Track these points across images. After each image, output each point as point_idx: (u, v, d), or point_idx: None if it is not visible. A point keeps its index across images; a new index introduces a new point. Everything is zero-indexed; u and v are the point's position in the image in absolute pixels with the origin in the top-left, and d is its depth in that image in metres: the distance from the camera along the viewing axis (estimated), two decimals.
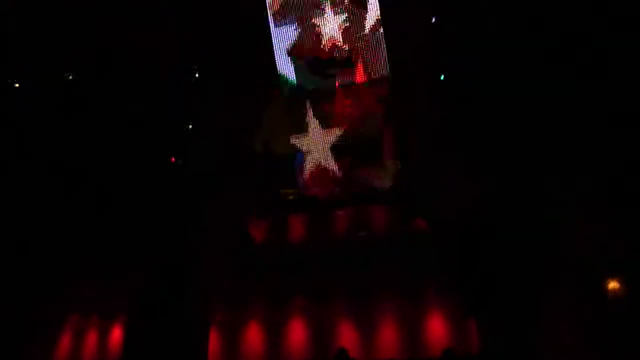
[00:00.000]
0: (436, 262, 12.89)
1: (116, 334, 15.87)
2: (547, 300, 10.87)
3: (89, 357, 16.00)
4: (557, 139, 10.87)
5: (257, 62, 14.68)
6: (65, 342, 16.37)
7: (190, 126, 14.55)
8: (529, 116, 11.18)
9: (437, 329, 13.55)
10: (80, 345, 16.25)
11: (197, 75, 14.03)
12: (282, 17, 14.40)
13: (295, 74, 14.92)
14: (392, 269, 13.75)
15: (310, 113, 14.94)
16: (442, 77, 12.98)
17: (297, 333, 14.46)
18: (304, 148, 15.05)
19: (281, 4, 14.34)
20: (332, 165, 14.91)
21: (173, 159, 14.41)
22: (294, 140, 15.13)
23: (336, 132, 15.01)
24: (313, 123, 15.01)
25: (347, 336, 14.04)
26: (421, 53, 12.75)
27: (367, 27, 14.11)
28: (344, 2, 14.13)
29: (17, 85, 12.95)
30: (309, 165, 15.05)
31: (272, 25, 14.41)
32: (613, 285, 10.46)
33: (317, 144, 15.06)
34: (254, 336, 14.78)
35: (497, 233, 11.58)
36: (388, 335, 13.83)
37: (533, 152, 11.23)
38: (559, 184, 10.89)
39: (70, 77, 13.13)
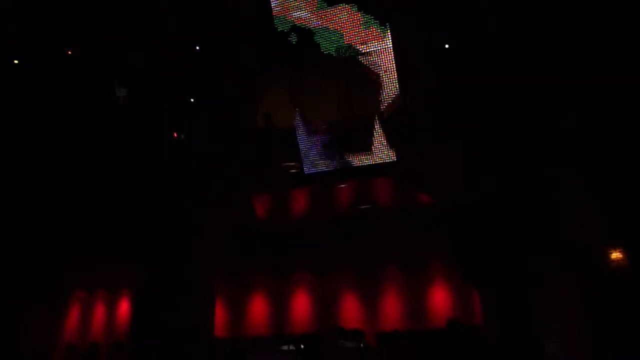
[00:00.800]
0: (439, 235, 12.90)
1: (123, 306, 16.18)
2: (549, 272, 10.93)
3: (97, 328, 16.38)
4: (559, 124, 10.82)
5: (258, 37, 14.42)
6: (73, 315, 16.71)
7: (192, 100, 14.40)
8: (533, 99, 11.09)
9: (440, 300, 13.69)
10: (89, 317, 16.60)
11: (197, 49, 13.78)
12: None
13: None
14: (395, 242, 13.80)
15: None
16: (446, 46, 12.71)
17: (301, 305, 14.66)
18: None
19: None
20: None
21: (175, 135, 14.34)
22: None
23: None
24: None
25: (350, 308, 14.23)
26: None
27: None
28: None
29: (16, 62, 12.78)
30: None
31: None
32: (613, 257, 10.51)
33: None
34: (259, 308, 15.01)
35: (498, 206, 11.57)
36: (392, 307, 14.00)
37: (537, 135, 11.15)
38: (562, 166, 10.87)
39: (69, 54, 12.93)
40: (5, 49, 12.31)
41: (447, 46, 12.36)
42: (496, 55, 11.29)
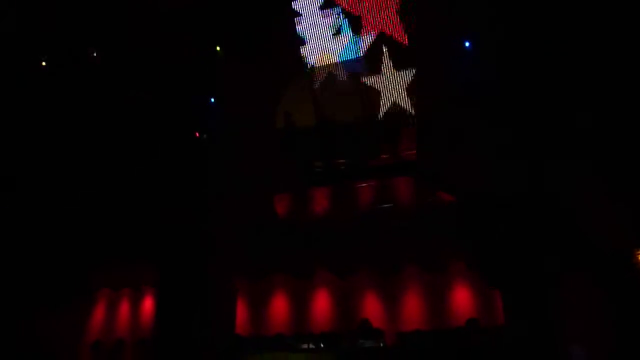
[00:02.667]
0: (460, 234, 12.77)
1: (147, 304, 16.47)
2: (572, 274, 10.73)
3: (122, 325, 16.70)
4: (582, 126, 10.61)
5: (279, 36, 14.55)
6: (99, 313, 17.07)
7: (213, 101, 14.58)
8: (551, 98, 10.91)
9: (461, 301, 13.55)
10: (114, 315, 16.94)
11: (218, 48, 13.94)
12: None
13: None
14: (416, 241, 13.68)
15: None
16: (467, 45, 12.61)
17: (321, 304, 14.68)
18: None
19: None
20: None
21: (197, 134, 14.53)
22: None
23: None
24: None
25: (371, 307, 14.19)
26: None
27: None
28: None
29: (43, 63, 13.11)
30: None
31: None
32: (638, 259, 10.27)
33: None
34: (279, 307, 15.09)
35: (520, 206, 11.40)
36: (412, 307, 13.92)
37: (556, 136, 10.96)
38: (580, 167, 10.67)
39: (85, 55, 13.20)
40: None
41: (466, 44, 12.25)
42: (513, 52, 11.13)
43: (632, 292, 9.83)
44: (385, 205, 14.70)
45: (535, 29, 11.08)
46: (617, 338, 9.67)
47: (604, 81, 10.31)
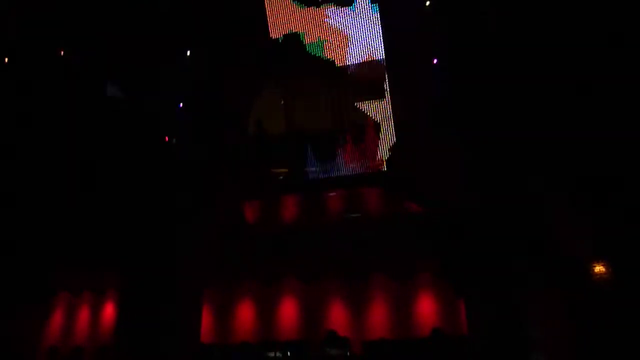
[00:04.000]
0: (426, 244, 13.04)
1: (108, 310, 16.06)
2: (533, 285, 11.13)
3: (81, 331, 16.22)
4: (546, 132, 11.02)
5: (250, 42, 14.51)
6: (57, 317, 16.53)
7: (181, 105, 14.41)
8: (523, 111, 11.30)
9: (426, 309, 13.80)
10: (73, 320, 16.44)
11: (188, 54, 13.79)
12: None
13: None
14: (383, 250, 13.85)
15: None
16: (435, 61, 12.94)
17: (288, 312, 14.67)
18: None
19: None
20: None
21: (167, 138, 14.33)
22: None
23: None
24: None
25: (337, 316, 14.28)
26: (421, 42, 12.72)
27: None
28: None
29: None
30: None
31: None
32: (598, 267, 10.72)
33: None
34: (245, 314, 14.99)
35: (485, 217, 11.76)
36: (378, 315, 14.08)
37: (521, 143, 11.37)
38: (543, 177, 11.10)
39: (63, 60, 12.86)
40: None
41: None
42: (491, 61, 11.46)
43: (592, 302, 10.25)
44: (354, 215, 14.84)
45: (504, 44, 11.47)
46: (579, 347, 10.08)
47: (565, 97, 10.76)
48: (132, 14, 12.35)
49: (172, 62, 13.61)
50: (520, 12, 11.07)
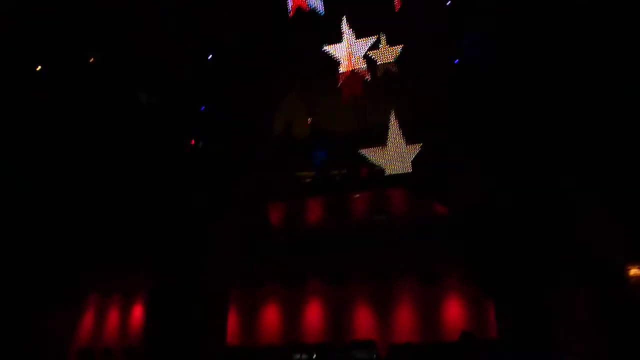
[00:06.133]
0: (453, 246, 12.82)
1: (137, 312, 16.28)
2: (564, 287, 10.82)
3: (111, 333, 16.48)
4: (576, 134, 10.74)
5: (276, 43, 14.54)
6: (88, 318, 16.83)
7: (207, 108, 14.52)
8: (546, 113, 11.05)
9: (454, 313, 13.59)
10: (103, 322, 16.71)
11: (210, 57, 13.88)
12: None
13: None
14: (410, 253, 13.73)
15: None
16: (455, 62, 12.74)
17: (314, 314, 14.63)
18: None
19: None
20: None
21: (193, 142, 14.46)
22: None
23: None
24: None
25: (364, 318, 14.18)
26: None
27: None
28: None
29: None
30: None
31: None
32: (633, 270, 10.38)
33: None
34: (271, 316, 15.00)
35: (514, 217, 11.49)
36: (405, 318, 13.92)
37: (550, 143, 11.10)
38: (575, 177, 10.81)
39: (80, 65, 13.08)
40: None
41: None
42: (512, 64, 11.27)
43: (626, 307, 9.91)
44: (380, 216, 14.72)
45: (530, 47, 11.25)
46: (611, 350, 9.75)
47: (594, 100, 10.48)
48: (152, 15, 12.53)
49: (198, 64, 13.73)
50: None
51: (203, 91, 14.48)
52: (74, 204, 13.83)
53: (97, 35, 12.57)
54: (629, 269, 10.42)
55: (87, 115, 13.18)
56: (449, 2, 12.17)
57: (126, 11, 12.26)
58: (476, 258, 12.14)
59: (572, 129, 10.64)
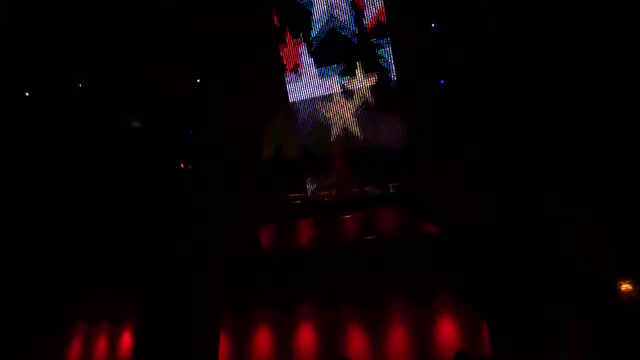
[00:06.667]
0: (446, 266, 12.77)
1: (126, 339, 15.98)
2: (558, 305, 10.78)
3: None
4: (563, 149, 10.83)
5: (264, 65, 14.66)
6: (75, 347, 16.50)
7: (195, 131, 14.55)
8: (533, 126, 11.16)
9: (447, 333, 13.40)
10: (91, 350, 16.38)
11: (198, 80, 13.96)
12: None
13: None
14: (402, 273, 13.63)
15: None
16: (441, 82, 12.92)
17: (305, 338, 14.41)
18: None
19: None
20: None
21: (182, 165, 14.45)
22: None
23: None
24: None
25: (356, 341, 13.95)
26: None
27: None
28: None
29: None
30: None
31: None
32: (624, 289, 10.36)
33: None
34: (262, 341, 14.76)
35: (506, 238, 11.50)
36: (398, 340, 13.72)
37: (538, 159, 11.18)
38: (562, 192, 10.87)
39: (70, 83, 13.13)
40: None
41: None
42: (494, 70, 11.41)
43: (619, 323, 9.87)
44: (370, 237, 14.64)
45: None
46: None
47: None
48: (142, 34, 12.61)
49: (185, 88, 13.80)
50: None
51: (192, 115, 14.54)
52: (58, 228, 13.70)
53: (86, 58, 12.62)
54: (620, 285, 10.41)
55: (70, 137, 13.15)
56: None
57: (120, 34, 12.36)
58: (468, 277, 12.11)
59: (556, 141, 10.73)
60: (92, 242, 14.15)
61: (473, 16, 11.64)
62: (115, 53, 12.65)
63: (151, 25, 12.53)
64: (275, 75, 14.66)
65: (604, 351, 9.81)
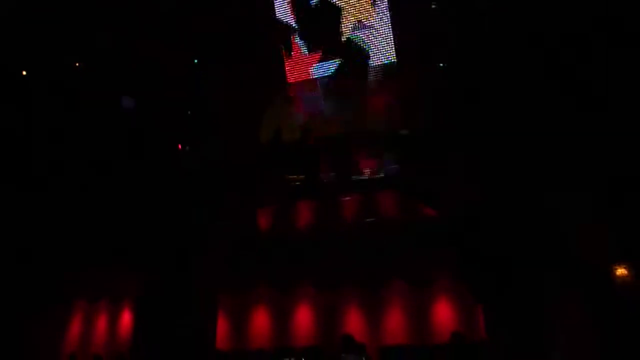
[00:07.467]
0: (445, 249, 12.84)
1: (126, 317, 16.11)
2: (554, 288, 10.88)
3: (99, 340, 16.29)
4: (564, 138, 10.84)
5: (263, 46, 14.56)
6: (75, 326, 16.64)
7: (194, 112, 14.50)
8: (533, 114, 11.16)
9: (444, 315, 13.56)
10: (90, 328, 16.53)
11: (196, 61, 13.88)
12: None
13: None
14: (400, 256, 13.71)
15: None
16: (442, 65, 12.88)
17: (304, 319, 14.56)
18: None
19: None
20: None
21: (180, 146, 14.42)
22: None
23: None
24: None
25: (354, 322, 14.11)
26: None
27: None
28: None
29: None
30: None
31: None
32: (619, 274, 10.47)
33: None
34: (261, 321, 14.91)
35: (504, 223, 11.55)
36: (395, 321, 13.88)
37: (539, 146, 11.19)
38: (563, 180, 10.90)
39: (70, 68, 13.03)
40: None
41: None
42: (497, 65, 11.36)
43: (614, 307, 9.98)
44: (369, 219, 14.70)
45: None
46: (601, 350, 9.81)
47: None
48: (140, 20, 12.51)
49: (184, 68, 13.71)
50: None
51: (192, 95, 14.47)
52: (59, 205, 13.70)
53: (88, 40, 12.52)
54: (615, 269, 10.51)
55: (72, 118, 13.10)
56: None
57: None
58: (465, 261, 12.19)
59: (556, 135, 10.74)
60: (92, 220, 14.16)
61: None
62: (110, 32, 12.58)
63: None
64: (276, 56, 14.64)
65: (600, 332, 9.94)
